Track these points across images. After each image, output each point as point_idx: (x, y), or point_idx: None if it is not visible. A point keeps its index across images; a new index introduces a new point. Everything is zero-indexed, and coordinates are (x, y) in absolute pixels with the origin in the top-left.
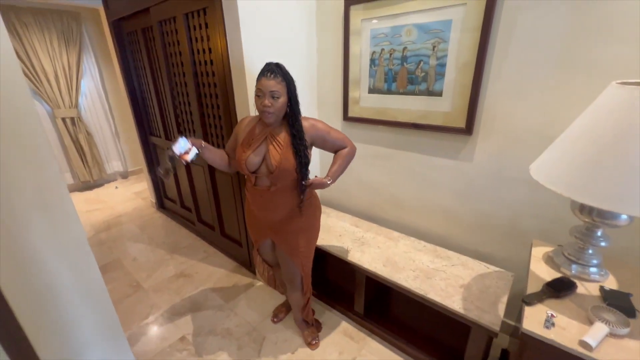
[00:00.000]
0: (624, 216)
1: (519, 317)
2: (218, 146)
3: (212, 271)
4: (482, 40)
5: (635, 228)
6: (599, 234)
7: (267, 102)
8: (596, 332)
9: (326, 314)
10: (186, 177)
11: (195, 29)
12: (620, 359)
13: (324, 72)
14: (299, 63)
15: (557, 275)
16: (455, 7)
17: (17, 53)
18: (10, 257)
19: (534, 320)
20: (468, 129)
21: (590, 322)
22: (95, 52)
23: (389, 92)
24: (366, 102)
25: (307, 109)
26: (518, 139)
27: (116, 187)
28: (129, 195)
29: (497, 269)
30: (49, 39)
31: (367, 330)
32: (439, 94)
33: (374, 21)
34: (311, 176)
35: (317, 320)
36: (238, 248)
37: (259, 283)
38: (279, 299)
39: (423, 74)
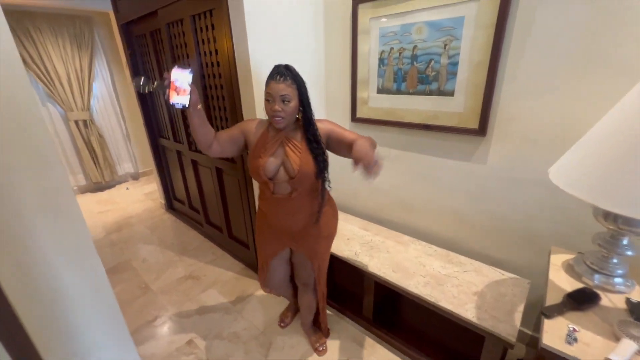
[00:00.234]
0: None
1: (537, 326)
2: None
3: (220, 273)
4: (497, 37)
5: None
6: (624, 242)
7: (277, 107)
8: (624, 350)
9: (333, 319)
10: (194, 178)
11: (202, 30)
12: None
13: (332, 72)
14: (307, 63)
15: (579, 285)
16: (468, 3)
17: (31, 57)
18: (15, 260)
19: (554, 334)
20: (481, 130)
21: (617, 338)
22: (107, 56)
23: (398, 92)
24: (375, 103)
25: (315, 110)
26: (535, 140)
27: (127, 189)
28: (139, 197)
29: (512, 275)
30: (62, 43)
31: (376, 337)
32: (451, 93)
33: (383, 19)
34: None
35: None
36: (245, 250)
37: None
38: (285, 302)
39: (434, 73)
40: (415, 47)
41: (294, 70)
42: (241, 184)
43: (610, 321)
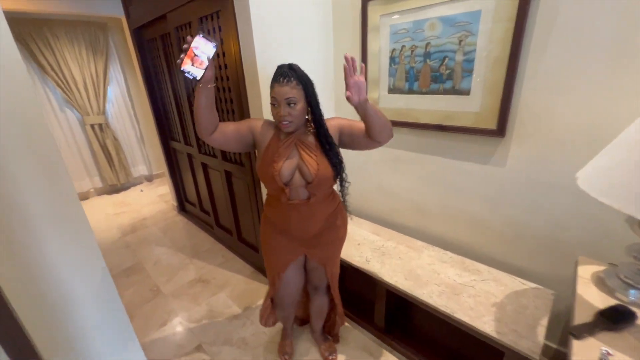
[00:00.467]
0: None
1: (563, 340)
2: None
3: (230, 277)
4: (517, 31)
5: None
6: None
7: (282, 111)
8: None
9: (344, 326)
10: (204, 181)
11: (209, 33)
12: None
13: (341, 72)
14: (316, 64)
15: (612, 301)
16: None
17: (50, 64)
18: (22, 267)
19: (584, 357)
20: (500, 131)
21: None
22: (121, 60)
23: (410, 91)
24: (386, 103)
25: (325, 111)
26: (559, 141)
27: (141, 190)
28: (153, 198)
29: (534, 285)
30: (78, 49)
31: (388, 346)
32: (467, 92)
33: (395, 16)
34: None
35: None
36: (254, 254)
37: None
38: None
39: (448, 71)
40: (428, 44)
41: (299, 69)
42: (250, 187)
43: None
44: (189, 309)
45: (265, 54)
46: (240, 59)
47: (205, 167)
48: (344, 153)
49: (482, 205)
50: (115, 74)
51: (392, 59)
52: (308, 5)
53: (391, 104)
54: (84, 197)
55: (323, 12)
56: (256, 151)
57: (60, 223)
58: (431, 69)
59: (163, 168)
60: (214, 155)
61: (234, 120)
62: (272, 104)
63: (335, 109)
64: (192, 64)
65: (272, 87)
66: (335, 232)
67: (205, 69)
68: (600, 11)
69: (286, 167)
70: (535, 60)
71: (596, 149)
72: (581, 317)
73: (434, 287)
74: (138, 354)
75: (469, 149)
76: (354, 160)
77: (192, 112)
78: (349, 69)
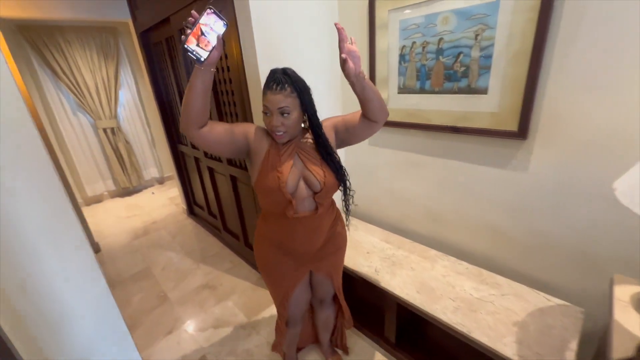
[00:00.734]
0: None
1: None
2: None
3: (237, 283)
4: (542, 22)
5: None
6: None
7: (275, 121)
8: None
9: (352, 338)
10: (211, 185)
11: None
12: None
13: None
14: (321, 64)
15: None
16: None
17: (62, 70)
18: (16, 282)
19: None
20: (522, 133)
21: None
22: (131, 64)
23: (422, 91)
24: (396, 104)
25: (332, 112)
26: (589, 144)
27: (152, 193)
28: (163, 201)
29: (560, 302)
30: (90, 54)
31: None
32: (484, 91)
33: (407, 11)
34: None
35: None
36: None
37: None
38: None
39: (463, 68)
40: (441, 39)
41: (294, 74)
42: (255, 193)
43: None
44: (195, 316)
45: (268, 55)
46: (242, 61)
47: (211, 171)
48: (355, 155)
49: (501, 213)
50: (126, 77)
51: (402, 57)
52: (312, 3)
53: (401, 105)
54: (98, 200)
55: (328, 10)
56: (247, 162)
57: (54, 236)
58: (444, 67)
59: (173, 170)
60: (220, 160)
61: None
62: (264, 113)
63: (342, 110)
64: (198, 44)
65: (264, 94)
66: (338, 239)
67: (212, 50)
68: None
69: (291, 177)
70: (562, 54)
71: (634, 155)
72: (620, 349)
73: (448, 302)
74: None
75: (487, 152)
76: (364, 164)
77: (189, 94)
78: (342, 35)
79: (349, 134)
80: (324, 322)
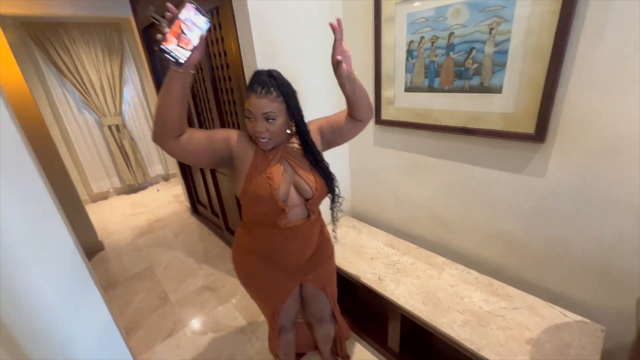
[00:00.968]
0: None
1: None
2: None
3: (238, 285)
4: (564, 14)
5: None
6: None
7: (259, 127)
8: None
9: (356, 347)
10: (212, 182)
11: (210, 31)
12: None
13: (354, 69)
14: (323, 62)
15: None
16: None
17: (67, 67)
18: (8, 296)
19: None
20: (539, 135)
21: None
22: (135, 61)
23: (430, 89)
24: (402, 103)
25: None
26: (615, 149)
27: (158, 190)
28: (168, 198)
29: (579, 318)
30: (94, 51)
31: None
32: (498, 90)
33: (416, 3)
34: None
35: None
36: None
37: None
38: None
39: (475, 65)
40: (451, 34)
41: (280, 77)
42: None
43: None
44: (196, 319)
45: (267, 53)
46: (240, 58)
47: (213, 170)
48: (359, 156)
49: (514, 220)
50: (131, 74)
51: (410, 53)
52: None
53: (408, 104)
54: (104, 197)
55: (332, 5)
56: (229, 171)
57: (41, 245)
58: (455, 63)
59: (177, 168)
60: None
61: (237, 122)
62: (247, 117)
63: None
64: (177, 43)
65: (247, 97)
66: (327, 248)
67: (193, 51)
68: None
69: (283, 183)
70: (587, 50)
71: None
72: None
73: (456, 315)
74: None
75: (500, 156)
76: (368, 165)
77: (165, 100)
78: (339, 33)
79: (335, 135)
80: (325, 336)
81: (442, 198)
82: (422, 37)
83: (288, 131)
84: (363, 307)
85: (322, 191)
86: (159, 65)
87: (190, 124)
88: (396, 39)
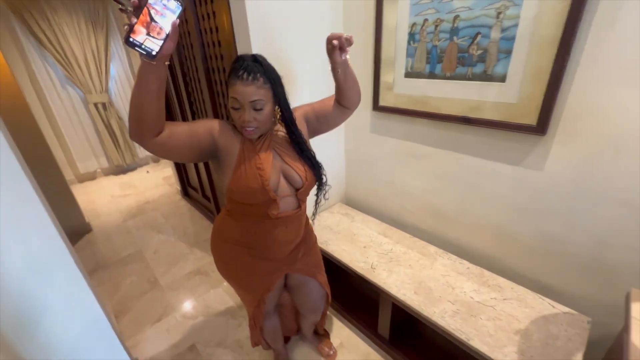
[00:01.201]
0: None
1: None
2: None
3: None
4: (576, 1)
5: None
6: None
7: (247, 116)
8: None
9: (346, 332)
10: (204, 165)
11: (201, 4)
12: None
13: (351, 52)
14: (321, 43)
15: None
16: None
17: (48, 39)
18: None
19: None
20: (540, 127)
21: None
22: (122, 35)
23: (431, 75)
24: (402, 89)
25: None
26: (616, 145)
27: (147, 172)
28: (158, 181)
29: (566, 309)
30: (77, 22)
31: (392, 359)
32: (501, 78)
33: None
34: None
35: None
36: None
37: None
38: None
39: (480, 51)
40: (456, 17)
41: (266, 62)
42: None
43: None
44: (186, 303)
45: (261, 30)
46: (233, 36)
47: None
48: (355, 143)
49: (508, 211)
50: (117, 50)
51: (412, 36)
52: None
53: (408, 90)
54: (91, 177)
55: None
56: (213, 163)
57: (15, 225)
58: (458, 49)
59: None
60: None
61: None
62: (233, 107)
63: None
64: (147, 32)
65: (232, 84)
66: (311, 235)
67: (165, 40)
68: None
69: (273, 173)
70: (597, 40)
71: None
72: None
73: (447, 305)
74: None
75: (499, 147)
76: (364, 153)
77: (140, 97)
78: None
79: (320, 123)
80: (312, 323)
81: (438, 188)
82: (426, 20)
83: (273, 119)
84: (354, 294)
85: (312, 180)
86: None
87: (181, 106)
88: (398, 20)
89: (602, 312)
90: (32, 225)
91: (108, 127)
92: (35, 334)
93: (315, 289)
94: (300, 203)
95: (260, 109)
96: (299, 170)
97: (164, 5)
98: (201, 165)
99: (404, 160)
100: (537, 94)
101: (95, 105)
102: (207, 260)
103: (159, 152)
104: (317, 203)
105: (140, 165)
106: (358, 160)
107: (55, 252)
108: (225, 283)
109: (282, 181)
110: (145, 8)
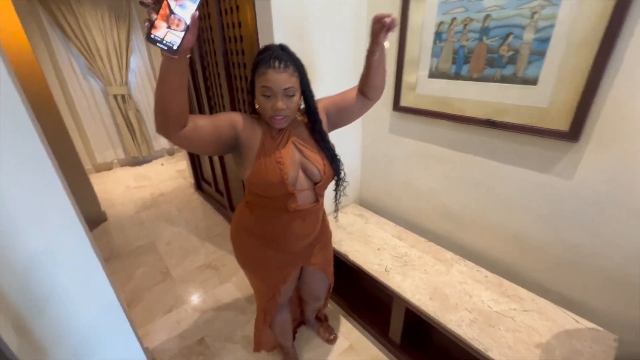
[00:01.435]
0: None
1: None
2: None
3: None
4: (621, 1)
5: None
6: None
7: (281, 104)
8: None
9: (355, 335)
10: (219, 161)
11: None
12: None
13: None
14: (344, 40)
15: None
16: None
17: (73, 31)
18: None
19: None
20: (573, 134)
21: None
22: (143, 29)
23: (457, 76)
24: (425, 89)
25: None
26: None
27: (162, 164)
28: (172, 173)
29: (591, 325)
30: (101, 15)
31: None
32: (533, 81)
33: None
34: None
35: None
36: None
37: None
38: None
39: (511, 52)
40: (487, 16)
41: (291, 51)
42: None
43: None
44: (196, 296)
45: (284, 27)
46: (256, 32)
47: None
48: (372, 142)
49: (532, 220)
50: (138, 43)
51: (438, 35)
52: None
53: (431, 91)
54: (108, 167)
55: None
56: (234, 156)
57: (41, 213)
58: (488, 49)
59: None
60: None
61: (249, 100)
62: (265, 95)
63: None
64: (168, 26)
65: (263, 72)
66: (327, 231)
67: (186, 32)
68: None
69: (292, 168)
70: None
71: None
72: None
73: (464, 314)
74: (134, 345)
75: (526, 153)
76: (381, 153)
77: (163, 91)
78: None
79: (341, 116)
80: (315, 308)
81: (457, 192)
82: (454, 19)
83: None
84: (364, 295)
85: (330, 174)
86: None
87: (199, 100)
88: (425, 19)
89: (630, 331)
90: (54, 208)
91: (126, 118)
92: (50, 315)
93: (323, 281)
94: (318, 197)
95: (292, 96)
96: (317, 164)
97: (181, 3)
98: (215, 160)
99: (423, 162)
100: (571, 99)
101: (115, 97)
102: (218, 255)
103: (185, 145)
104: (336, 199)
105: (156, 158)
106: (374, 161)
107: (74, 236)
108: (235, 278)
109: (301, 175)
110: (164, 1)
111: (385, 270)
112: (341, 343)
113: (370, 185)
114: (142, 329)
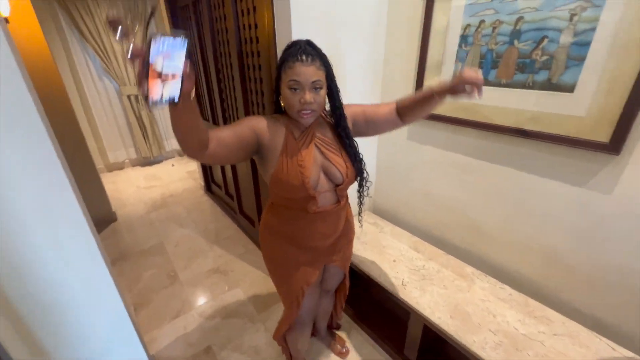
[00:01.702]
0: None
1: None
2: None
3: (248, 271)
4: None
5: None
6: None
7: (309, 96)
8: None
9: (368, 350)
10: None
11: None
12: None
13: (394, 53)
14: (364, 40)
15: None
16: None
17: (90, 32)
18: (11, 261)
19: None
20: (614, 146)
21: None
22: (158, 30)
23: (484, 82)
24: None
25: (368, 100)
26: None
27: (172, 165)
28: (182, 175)
29: (629, 354)
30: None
31: None
32: (569, 88)
33: None
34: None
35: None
36: None
37: None
38: None
39: (545, 57)
40: (520, 19)
41: (317, 46)
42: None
43: None
44: (204, 302)
45: (303, 29)
46: (274, 32)
47: None
48: (389, 148)
49: (564, 237)
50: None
51: (464, 38)
52: None
53: None
54: (120, 167)
55: None
56: (256, 158)
57: (50, 214)
58: (519, 54)
59: None
60: None
61: (262, 102)
62: (293, 89)
63: (380, 96)
64: (162, 82)
65: (290, 66)
66: (350, 230)
67: (183, 79)
68: None
69: (314, 171)
70: None
71: None
72: None
73: (488, 335)
74: (138, 351)
75: (558, 164)
76: (398, 160)
77: (179, 129)
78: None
79: (368, 128)
80: (325, 310)
81: (481, 203)
82: (482, 21)
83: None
84: (377, 307)
85: (352, 176)
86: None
87: (212, 102)
88: (450, 21)
89: None
90: (62, 209)
91: (139, 119)
92: (53, 319)
93: (338, 275)
94: (340, 198)
95: (320, 88)
96: (339, 166)
97: (167, 48)
98: None
99: (445, 171)
100: (613, 108)
101: (129, 97)
102: (226, 259)
103: (214, 162)
104: (360, 200)
105: (166, 158)
106: (391, 168)
107: (81, 239)
108: (244, 284)
109: (322, 177)
110: (151, 65)
111: (402, 284)
112: (352, 357)
113: (385, 192)
114: (148, 334)
